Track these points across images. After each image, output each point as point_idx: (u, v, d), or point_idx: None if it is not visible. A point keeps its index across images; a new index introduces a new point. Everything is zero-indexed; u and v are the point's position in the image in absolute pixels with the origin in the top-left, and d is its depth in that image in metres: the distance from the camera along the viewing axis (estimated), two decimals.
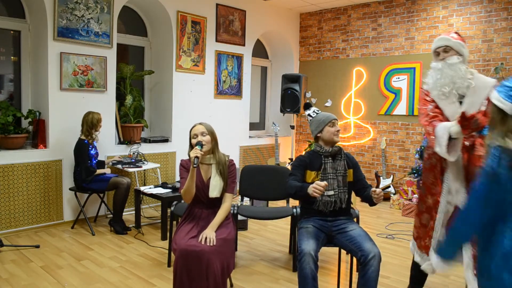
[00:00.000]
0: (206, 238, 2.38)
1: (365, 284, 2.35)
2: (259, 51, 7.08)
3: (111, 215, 4.39)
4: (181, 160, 2.66)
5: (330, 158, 2.70)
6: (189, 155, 2.64)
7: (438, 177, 2.53)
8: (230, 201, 2.63)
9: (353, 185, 2.76)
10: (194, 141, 2.55)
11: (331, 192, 2.65)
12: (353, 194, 2.82)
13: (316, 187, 2.37)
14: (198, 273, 2.30)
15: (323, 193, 2.42)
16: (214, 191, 2.54)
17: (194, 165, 2.40)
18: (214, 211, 2.58)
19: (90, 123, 4.13)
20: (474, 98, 2.42)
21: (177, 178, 5.41)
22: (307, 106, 2.95)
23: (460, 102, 2.46)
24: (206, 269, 2.30)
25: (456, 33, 2.59)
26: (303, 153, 3.45)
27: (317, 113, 2.82)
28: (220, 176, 2.57)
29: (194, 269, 2.30)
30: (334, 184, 2.66)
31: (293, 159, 6.23)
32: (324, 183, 2.40)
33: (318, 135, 2.75)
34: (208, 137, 2.56)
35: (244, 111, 6.38)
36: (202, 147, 2.50)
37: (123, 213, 4.33)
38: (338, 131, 2.74)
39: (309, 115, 2.86)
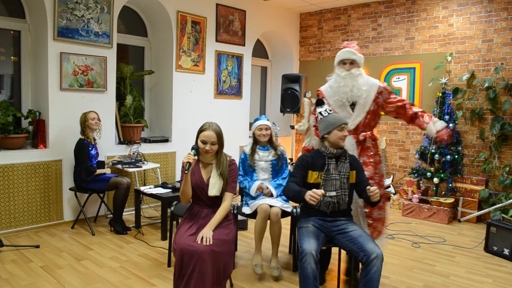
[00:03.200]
0: (202, 237, 2.38)
1: (367, 284, 2.36)
2: (259, 51, 7.08)
3: (111, 215, 4.39)
4: (183, 162, 2.65)
5: (333, 159, 2.68)
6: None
7: None
8: (230, 201, 2.61)
9: (355, 187, 2.75)
10: (201, 145, 2.51)
11: (333, 193, 2.65)
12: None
13: (313, 195, 2.42)
14: (194, 272, 2.29)
15: (319, 201, 2.52)
16: (213, 189, 2.54)
17: (186, 171, 2.38)
18: (214, 210, 2.58)
19: (80, 124, 4.17)
20: (362, 104, 2.98)
21: (177, 178, 5.41)
22: (320, 102, 2.82)
23: (352, 108, 3.00)
24: (200, 268, 2.29)
25: (357, 44, 3.14)
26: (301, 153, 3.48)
27: (328, 113, 2.75)
28: (220, 176, 2.56)
29: (190, 268, 2.30)
30: (337, 185, 2.65)
31: (293, 159, 6.25)
32: (320, 191, 2.43)
33: (326, 136, 2.71)
34: (215, 147, 2.53)
35: (244, 111, 6.37)
36: (197, 152, 2.49)
37: (123, 213, 4.33)
38: (345, 136, 2.69)
39: (320, 113, 2.78)
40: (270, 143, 3.58)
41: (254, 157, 3.53)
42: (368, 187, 2.52)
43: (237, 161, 2.77)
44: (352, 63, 2.98)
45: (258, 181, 3.47)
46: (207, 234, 2.39)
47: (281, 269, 3.33)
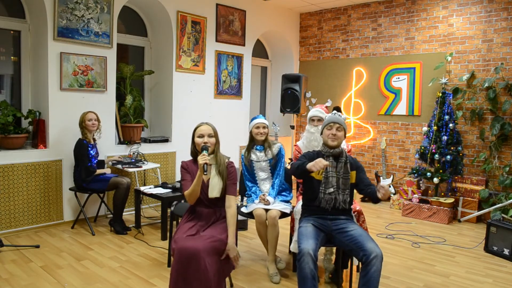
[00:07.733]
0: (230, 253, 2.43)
1: (367, 283, 2.36)
2: (259, 51, 7.08)
3: (111, 215, 4.39)
4: (182, 162, 2.65)
5: (331, 158, 2.75)
6: (192, 155, 2.66)
7: None
8: (235, 204, 2.60)
9: (355, 185, 2.80)
10: (199, 140, 2.56)
11: (331, 190, 2.70)
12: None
13: (317, 161, 2.45)
14: (192, 272, 2.29)
15: (320, 198, 2.62)
16: (213, 191, 2.55)
17: (205, 173, 2.41)
18: (214, 211, 2.60)
19: (78, 125, 4.18)
20: None
21: (177, 178, 5.40)
22: (336, 109, 3.26)
23: None
24: (199, 268, 2.29)
25: (326, 107, 3.58)
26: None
27: (332, 114, 2.89)
28: (220, 177, 2.57)
29: (188, 269, 2.30)
30: (333, 182, 2.71)
31: (293, 159, 6.24)
32: (326, 162, 2.46)
33: (321, 135, 2.84)
34: (213, 139, 2.59)
35: (244, 111, 6.37)
36: (208, 151, 2.51)
37: (123, 213, 4.33)
38: (334, 135, 2.73)
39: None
40: (266, 142, 3.56)
41: (251, 157, 3.52)
42: (381, 184, 2.50)
43: (237, 161, 2.79)
44: (320, 120, 3.38)
45: (261, 194, 3.44)
46: (233, 253, 2.44)
47: (281, 273, 3.33)
